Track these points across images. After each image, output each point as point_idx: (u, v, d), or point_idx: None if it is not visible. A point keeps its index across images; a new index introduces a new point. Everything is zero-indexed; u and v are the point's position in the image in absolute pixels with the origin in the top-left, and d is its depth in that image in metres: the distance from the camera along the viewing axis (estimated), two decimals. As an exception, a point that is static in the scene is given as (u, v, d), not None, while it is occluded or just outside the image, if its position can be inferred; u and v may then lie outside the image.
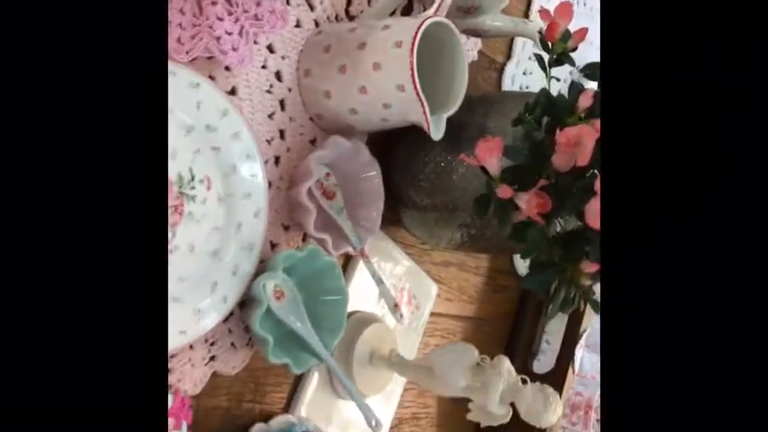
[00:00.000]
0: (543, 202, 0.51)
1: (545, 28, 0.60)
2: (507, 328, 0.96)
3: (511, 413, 0.63)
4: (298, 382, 0.66)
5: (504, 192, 0.52)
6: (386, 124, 0.63)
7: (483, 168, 0.54)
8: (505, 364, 0.62)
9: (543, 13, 0.60)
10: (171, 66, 0.51)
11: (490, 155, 0.53)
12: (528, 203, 0.51)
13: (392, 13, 0.70)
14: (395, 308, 0.64)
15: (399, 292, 0.76)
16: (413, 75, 0.56)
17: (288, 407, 0.65)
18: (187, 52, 0.51)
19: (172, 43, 0.50)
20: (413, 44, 0.56)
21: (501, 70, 0.89)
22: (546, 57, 0.61)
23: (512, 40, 0.90)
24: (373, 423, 0.61)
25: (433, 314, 0.82)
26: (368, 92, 0.59)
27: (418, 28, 0.56)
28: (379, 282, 0.64)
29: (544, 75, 0.61)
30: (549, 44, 0.60)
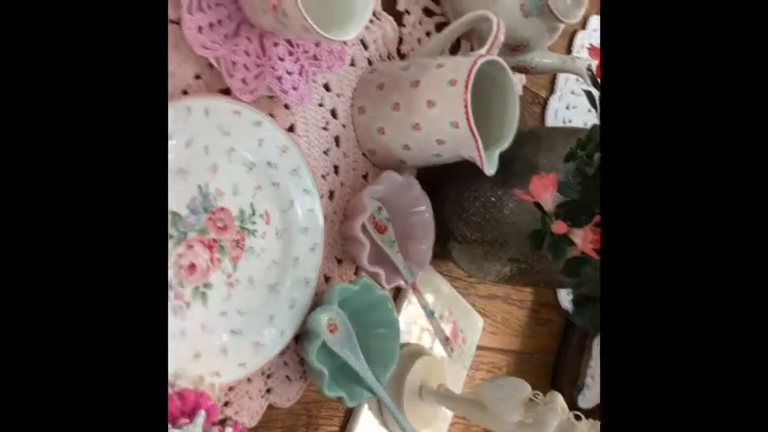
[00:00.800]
0: (599, 238, 0.51)
1: (594, 65, 0.61)
2: (551, 361, 0.96)
3: (564, 450, 0.62)
4: (349, 415, 0.66)
5: (559, 228, 0.52)
6: (438, 159, 0.64)
7: (537, 204, 0.55)
8: (559, 399, 0.61)
9: (593, 50, 0.61)
10: (236, 105, 0.53)
11: (545, 191, 0.54)
12: (583, 239, 0.52)
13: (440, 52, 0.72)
14: (446, 341, 0.65)
15: (446, 325, 0.76)
16: (467, 112, 0.57)
17: (339, 440, 0.65)
18: (251, 92, 0.53)
19: (237, 83, 0.52)
20: (467, 82, 0.57)
21: (544, 104, 0.90)
22: (595, 93, 0.61)
23: (554, 76, 0.91)
24: (426, 458, 0.61)
25: (478, 347, 0.82)
26: (421, 128, 0.60)
27: (472, 66, 0.58)
28: (431, 315, 0.65)
29: (589, 109, 0.62)
30: (599, 80, 0.61)
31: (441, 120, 0.59)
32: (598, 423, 0.62)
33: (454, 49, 0.75)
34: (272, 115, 0.57)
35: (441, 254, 0.73)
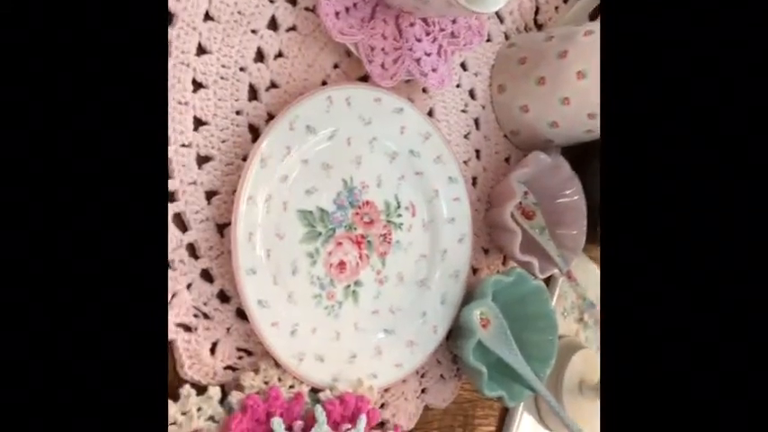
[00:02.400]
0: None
1: None
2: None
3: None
4: (504, 415, 0.63)
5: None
6: (589, 136, 0.58)
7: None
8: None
9: None
10: (376, 92, 0.50)
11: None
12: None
13: (580, 18, 0.66)
14: (610, 334, 0.59)
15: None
16: (626, 80, 0.51)
17: (497, 441, 0.62)
18: (391, 77, 0.50)
19: (377, 69, 0.49)
20: (624, 47, 0.51)
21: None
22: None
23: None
24: (595, 460, 0.56)
25: (634, 337, 0.75)
26: (571, 103, 0.55)
27: (628, 29, 0.52)
28: (591, 306, 0.60)
29: None
30: None
31: (594, 91, 0.54)
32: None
33: (592, 15, 0.69)
34: (410, 100, 0.54)
35: (589, 237, 0.67)
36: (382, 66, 0.50)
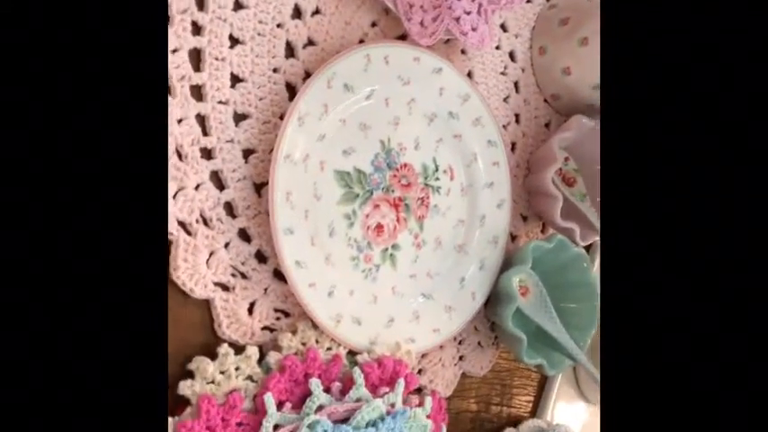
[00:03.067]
0: None
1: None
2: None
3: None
4: (542, 384, 0.61)
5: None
6: (633, 99, 0.56)
7: None
8: None
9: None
10: (415, 51, 0.48)
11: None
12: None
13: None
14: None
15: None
16: (675, 37, 0.49)
17: (534, 410, 0.61)
18: (430, 35, 0.49)
19: (415, 27, 0.48)
20: (673, 3, 0.49)
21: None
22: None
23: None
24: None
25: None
26: (616, 63, 0.53)
27: (678, -16, 0.50)
28: (633, 274, 0.58)
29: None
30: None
31: (640, 50, 0.52)
32: None
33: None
34: (449, 61, 0.53)
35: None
36: (421, 24, 0.49)
